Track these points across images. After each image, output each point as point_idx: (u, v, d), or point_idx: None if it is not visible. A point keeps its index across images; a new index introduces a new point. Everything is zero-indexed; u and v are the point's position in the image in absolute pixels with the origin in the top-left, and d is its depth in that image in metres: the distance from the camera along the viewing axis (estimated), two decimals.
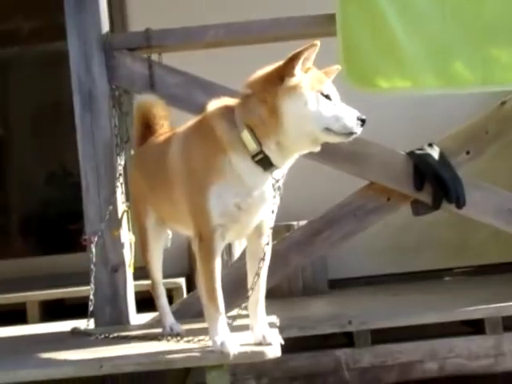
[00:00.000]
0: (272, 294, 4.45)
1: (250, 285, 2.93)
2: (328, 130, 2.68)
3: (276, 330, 3.10)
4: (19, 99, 7.18)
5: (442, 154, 3.89)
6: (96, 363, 2.81)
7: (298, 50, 2.67)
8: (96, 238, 3.68)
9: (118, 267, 3.76)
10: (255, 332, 2.92)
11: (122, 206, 3.79)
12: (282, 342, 2.95)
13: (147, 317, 3.95)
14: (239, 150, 2.74)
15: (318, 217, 3.97)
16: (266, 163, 2.74)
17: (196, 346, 2.95)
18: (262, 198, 2.81)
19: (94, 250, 3.67)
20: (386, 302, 4.53)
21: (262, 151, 2.72)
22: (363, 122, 2.68)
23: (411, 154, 3.88)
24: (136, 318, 3.86)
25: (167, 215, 3.24)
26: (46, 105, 7.08)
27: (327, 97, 2.70)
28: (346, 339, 3.98)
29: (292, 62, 2.67)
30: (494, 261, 5.33)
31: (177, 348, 2.97)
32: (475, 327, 3.95)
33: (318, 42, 2.69)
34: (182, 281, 5.03)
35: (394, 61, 3.84)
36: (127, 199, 3.82)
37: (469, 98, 4.53)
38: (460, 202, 3.83)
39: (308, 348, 3.68)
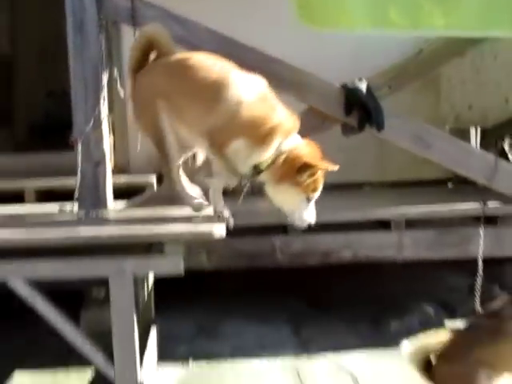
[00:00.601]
0: (223, 193, 4.79)
1: None
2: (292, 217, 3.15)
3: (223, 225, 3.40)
4: (28, 25, 7.24)
5: (368, 87, 4.20)
6: (76, 233, 3.16)
7: (313, 164, 2.99)
8: (82, 139, 3.88)
9: (99, 163, 3.97)
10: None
11: (105, 112, 3.98)
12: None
13: (121, 204, 4.25)
14: None
15: None
16: None
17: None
18: None
19: (80, 148, 3.88)
20: (317, 202, 4.79)
21: None
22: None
23: (344, 86, 4.18)
24: (112, 204, 4.14)
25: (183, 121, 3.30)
26: (51, 32, 7.08)
27: (309, 200, 3.14)
28: (282, 229, 4.34)
29: (304, 169, 3.01)
30: (406, 178, 5.59)
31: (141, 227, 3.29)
32: (383, 225, 4.32)
33: (335, 168, 3.05)
34: (153, 177, 5.25)
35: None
36: (110, 108, 4.01)
37: (401, 41, 4.79)
38: (380, 127, 4.15)
39: (251, 234, 3.97)
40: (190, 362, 4.14)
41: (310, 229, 4.32)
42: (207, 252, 4.31)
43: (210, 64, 3.20)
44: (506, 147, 5.56)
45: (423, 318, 4.49)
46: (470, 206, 4.27)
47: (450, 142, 4.36)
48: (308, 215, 3.12)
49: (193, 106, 3.18)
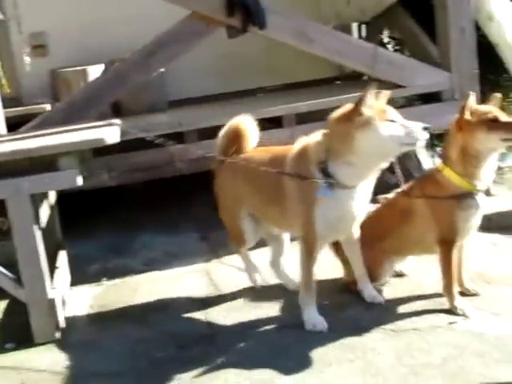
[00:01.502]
0: (122, 112, 4.73)
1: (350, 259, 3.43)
2: (404, 143, 3.04)
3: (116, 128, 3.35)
4: None
5: None
6: None
7: (359, 95, 2.99)
8: None
9: None
10: (365, 294, 3.45)
11: None
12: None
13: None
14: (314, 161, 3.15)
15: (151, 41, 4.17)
16: (325, 173, 3.09)
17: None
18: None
19: None
20: (212, 110, 4.82)
21: (324, 162, 3.10)
22: (427, 129, 3.01)
23: None
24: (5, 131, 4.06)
25: (265, 215, 3.51)
26: None
27: (392, 121, 3.02)
28: (178, 138, 4.31)
29: (357, 107, 3.00)
30: (297, 79, 5.63)
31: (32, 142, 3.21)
32: (275, 123, 4.36)
33: (373, 88, 3.02)
34: (47, 106, 5.09)
35: None
36: None
37: None
38: (262, 25, 4.13)
39: (148, 147, 3.92)
40: (104, 279, 4.12)
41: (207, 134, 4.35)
42: (108, 170, 4.24)
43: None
44: (385, 39, 5.67)
45: None
46: (355, 94, 4.31)
47: (331, 35, 4.41)
48: (416, 130, 3.04)
49: (271, 208, 3.40)
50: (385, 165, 3.15)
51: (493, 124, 3.11)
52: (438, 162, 5.58)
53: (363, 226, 3.51)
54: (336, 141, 3.09)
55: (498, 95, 3.22)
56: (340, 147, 3.07)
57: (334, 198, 3.10)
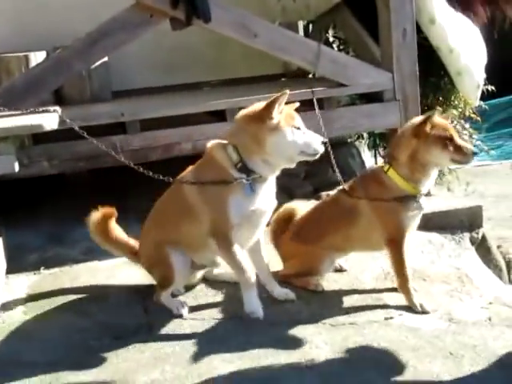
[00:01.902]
0: (65, 101, 4.62)
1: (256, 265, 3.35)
2: (303, 152, 3.12)
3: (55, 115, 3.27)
4: None
5: None
6: None
7: (272, 98, 3.05)
8: None
9: None
10: (275, 293, 3.40)
11: None
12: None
13: None
14: (230, 163, 3.13)
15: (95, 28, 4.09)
16: (245, 170, 3.11)
17: None
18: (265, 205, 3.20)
19: None
20: (156, 101, 4.75)
21: (241, 161, 3.10)
22: (324, 143, 3.17)
23: None
24: None
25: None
26: None
27: (298, 128, 3.10)
28: (120, 129, 4.24)
29: (270, 108, 3.04)
30: (242, 75, 5.58)
31: None
32: (219, 116, 4.33)
33: (287, 91, 3.08)
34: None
35: None
36: None
37: None
38: (206, 18, 4.09)
39: (90, 136, 3.82)
40: (42, 269, 4.02)
41: (149, 126, 4.30)
42: (48, 158, 4.14)
43: None
44: (331, 38, 5.70)
45: None
46: (299, 91, 4.34)
47: (274, 30, 4.41)
48: (316, 142, 3.15)
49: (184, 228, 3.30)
50: (284, 165, 3.21)
51: (447, 143, 3.20)
52: (380, 161, 5.73)
53: (303, 222, 3.52)
54: (247, 139, 3.13)
55: (451, 113, 3.31)
56: (251, 145, 3.13)
57: (248, 190, 3.14)
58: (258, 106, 3.16)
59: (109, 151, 3.47)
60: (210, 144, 3.26)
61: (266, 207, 3.24)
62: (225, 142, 3.20)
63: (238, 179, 3.13)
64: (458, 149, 3.21)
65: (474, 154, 3.22)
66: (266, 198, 3.22)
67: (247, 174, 3.14)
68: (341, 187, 3.52)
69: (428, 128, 3.21)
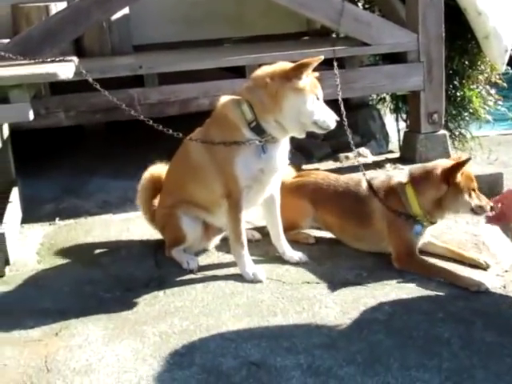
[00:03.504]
0: (85, 54, 4.57)
1: (269, 222, 3.34)
2: (315, 123, 3.04)
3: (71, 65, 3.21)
4: None
5: None
6: None
7: (308, 60, 2.99)
8: None
9: None
10: (286, 255, 3.35)
11: None
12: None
13: None
14: (244, 122, 3.03)
15: None
16: (259, 130, 3.01)
17: None
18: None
19: None
20: (175, 56, 4.69)
21: (255, 120, 3.00)
22: (337, 121, 3.11)
23: None
24: None
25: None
26: None
27: (319, 98, 3.04)
28: (138, 82, 4.19)
29: (301, 68, 2.96)
30: (264, 32, 5.48)
31: None
32: (238, 73, 4.26)
33: (322, 57, 2.99)
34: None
35: None
36: None
37: None
38: None
39: (107, 88, 3.79)
40: (57, 219, 4.02)
41: (166, 79, 4.25)
42: (65, 109, 4.11)
43: None
44: None
45: None
46: (320, 49, 4.24)
47: None
48: (330, 118, 3.10)
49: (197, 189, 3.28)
50: (294, 133, 3.14)
51: (472, 194, 3.22)
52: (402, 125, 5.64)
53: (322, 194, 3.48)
54: (265, 96, 3.04)
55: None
56: (268, 103, 3.03)
57: (259, 151, 3.08)
58: (283, 64, 3.09)
59: (119, 104, 3.40)
60: (221, 100, 3.17)
61: (277, 166, 3.18)
62: (238, 98, 3.12)
63: (251, 140, 3.06)
64: (480, 201, 3.22)
65: (491, 208, 3.21)
66: (276, 158, 3.15)
67: (259, 134, 3.07)
68: (365, 182, 3.43)
69: (459, 176, 3.19)
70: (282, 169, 3.25)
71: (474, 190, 3.25)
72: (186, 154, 3.24)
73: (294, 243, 3.46)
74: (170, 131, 3.25)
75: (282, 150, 3.18)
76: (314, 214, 3.53)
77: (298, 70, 2.99)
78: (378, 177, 3.51)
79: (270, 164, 3.12)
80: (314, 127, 3.09)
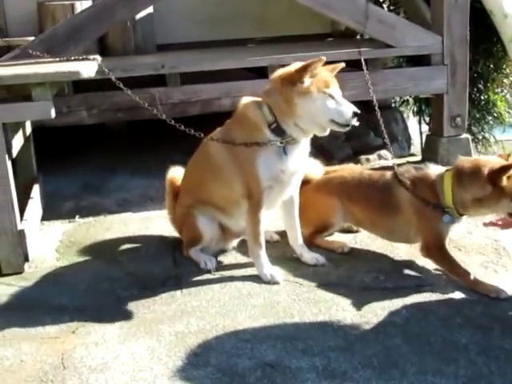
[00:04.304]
0: (109, 53, 4.61)
1: (287, 224, 3.34)
2: (332, 121, 3.01)
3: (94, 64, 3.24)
4: None
5: None
6: None
7: (306, 62, 2.96)
8: None
9: None
10: (304, 257, 3.33)
11: None
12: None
13: None
14: (265, 123, 3.05)
15: None
16: (279, 132, 3.04)
17: None
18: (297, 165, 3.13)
19: None
20: (197, 55, 4.71)
21: (276, 122, 3.02)
22: (357, 114, 3.00)
23: None
24: None
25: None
26: None
27: (331, 96, 2.98)
28: (161, 81, 4.21)
29: (302, 71, 2.95)
30: (288, 33, 5.49)
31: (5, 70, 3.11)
32: (260, 74, 4.26)
33: (324, 58, 3.00)
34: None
35: None
36: None
37: None
38: None
39: (130, 87, 3.82)
40: (77, 217, 4.06)
41: (188, 79, 4.26)
42: (87, 107, 4.15)
43: None
44: None
45: None
46: (344, 50, 4.24)
47: None
48: (347, 113, 3.02)
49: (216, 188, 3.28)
50: (316, 132, 3.13)
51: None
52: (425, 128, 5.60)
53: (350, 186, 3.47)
54: (280, 100, 3.05)
55: None
56: (283, 107, 3.04)
57: (280, 152, 3.08)
58: (294, 66, 3.07)
59: (142, 103, 3.41)
60: (243, 101, 3.18)
61: (297, 167, 3.18)
62: (259, 99, 3.12)
63: (272, 141, 3.07)
64: None
65: None
66: (297, 159, 3.15)
67: (280, 135, 3.07)
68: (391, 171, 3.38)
69: (506, 178, 3.07)
70: (302, 169, 3.24)
71: None
72: (206, 154, 3.24)
73: (317, 248, 3.45)
74: (192, 131, 3.25)
75: (302, 151, 3.18)
76: (343, 209, 3.49)
77: (299, 74, 2.99)
78: (410, 168, 3.41)
79: (290, 165, 3.12)
80: (332, 125, 3.06)
